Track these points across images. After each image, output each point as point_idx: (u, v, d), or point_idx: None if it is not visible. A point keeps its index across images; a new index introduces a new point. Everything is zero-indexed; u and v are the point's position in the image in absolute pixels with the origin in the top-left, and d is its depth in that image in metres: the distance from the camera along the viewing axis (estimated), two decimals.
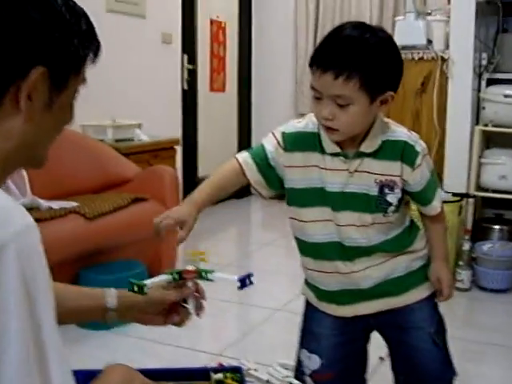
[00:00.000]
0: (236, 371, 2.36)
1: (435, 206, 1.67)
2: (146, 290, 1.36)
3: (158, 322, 1.44)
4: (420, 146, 1.59)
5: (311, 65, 1.47)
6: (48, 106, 0.94)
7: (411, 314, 1.70)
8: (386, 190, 1.57)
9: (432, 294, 1.74)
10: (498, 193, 3.86)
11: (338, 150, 1.56)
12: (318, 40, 7.32)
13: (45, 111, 0.94)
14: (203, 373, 2.32)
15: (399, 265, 1.67)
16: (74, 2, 0.97)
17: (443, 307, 1.79)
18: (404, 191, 1.61)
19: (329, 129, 1.51)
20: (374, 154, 1.56)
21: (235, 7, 6.46)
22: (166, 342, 2.83)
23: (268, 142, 1.64)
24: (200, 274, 1.41)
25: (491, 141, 4.14)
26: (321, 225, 1.61)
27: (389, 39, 1.51)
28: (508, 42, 4.04)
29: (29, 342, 0.79)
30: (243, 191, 6.49)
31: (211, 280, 1.42)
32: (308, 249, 1.68)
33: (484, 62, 4.05)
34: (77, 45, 0.95)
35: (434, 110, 3.97)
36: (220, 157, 6.32)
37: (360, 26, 1.49)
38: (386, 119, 1.62)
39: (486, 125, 3.85)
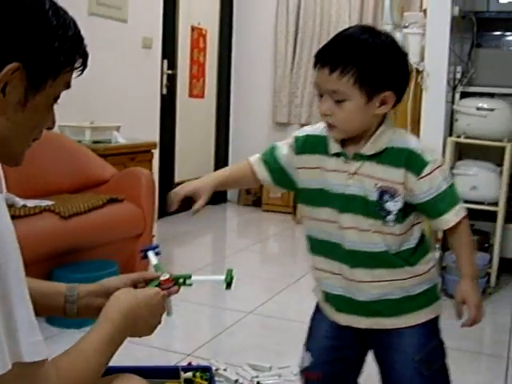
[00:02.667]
0: (205, 370, 2.41)
1: (447, 220, 1.55)
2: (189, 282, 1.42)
3: None
4: (430, 156, 1.53)
5: (315, 63, 1.50)
6: (22, 104, 0.98)
7: (398, 337, 1.64)
8: (386, 197, 1.52)
9: (432, 320, 1.66)
10: (469, 203, 3.91)
11: (339, 149, 1.57)
12: (298, 49, 7.28)
13: (19, 108, 0.98)
14: (173, 371, 2.35)
15: (397, 288, 1.61)
16: (65, 11, 1.02)
17: None
18: (408, 204, 1.54)
19: (329, 125, 1.53)
20: (378, 159, 1.53)
21: (216, 15, 6.53)
22: (138, 342, 2.81)
23: (283, 145, 1.71)
24: (177, 282, 1.41)
25: (463, 152, 4.21)
26: (327, 225, 1.60)
27: (391, 41, 1.51)
28: (481, 56, 4.12)
29: None
30: (219, 198, 6.54)
31: (190, 285, 1.43)
32: (318, 246, 1.67)
33: (458, 76, 4.13)
34: (57, 48, 0.99)
35: (407, 120, 4.03)
36: (197, 162, 6.40)
37: (363, 28, 1.52)
38: (401, 129, 1.61)
39: (459, 136, 3.91)
